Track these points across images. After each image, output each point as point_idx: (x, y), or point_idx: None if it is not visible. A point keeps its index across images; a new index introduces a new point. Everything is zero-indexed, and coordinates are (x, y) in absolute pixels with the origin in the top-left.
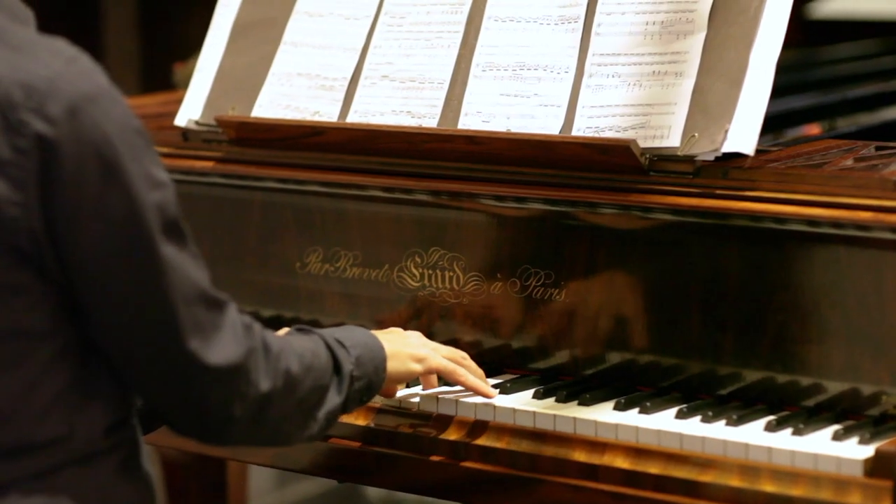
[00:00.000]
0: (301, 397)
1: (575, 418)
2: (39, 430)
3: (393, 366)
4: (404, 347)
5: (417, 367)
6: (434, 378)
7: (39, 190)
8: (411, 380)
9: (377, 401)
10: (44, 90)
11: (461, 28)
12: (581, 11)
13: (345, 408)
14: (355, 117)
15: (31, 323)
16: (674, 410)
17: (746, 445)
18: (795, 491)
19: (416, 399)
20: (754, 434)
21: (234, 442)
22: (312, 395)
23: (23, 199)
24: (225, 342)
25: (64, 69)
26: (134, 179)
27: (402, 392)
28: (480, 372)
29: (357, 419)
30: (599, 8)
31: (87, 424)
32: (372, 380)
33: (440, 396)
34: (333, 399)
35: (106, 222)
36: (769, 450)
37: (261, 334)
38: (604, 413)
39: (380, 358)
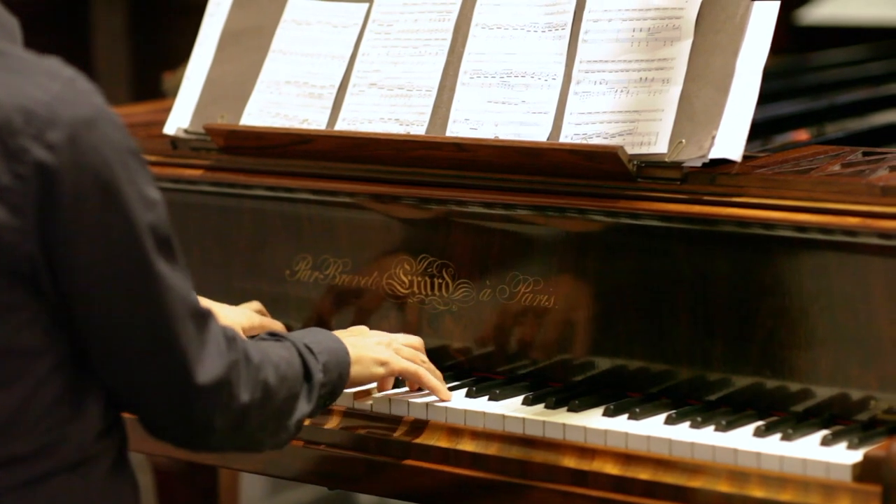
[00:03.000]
0: (276, 407)
1: (564, 424)
2: (31, 440)
3: (356, 371)
4: (367, 352)
5: (380, 371)
6: (390, 381)
7: (38, 215)
8: (373, 382)
9: (367, 408)
10: (43, 115)
11: (448, 35)
12: (568, 18)
13: (311, 414)
14: (344, 125)
15: (26, 341)
16: (663, 416)
17: (735, 451)
18: (784, 496)
19: (407, 406)
20: (743, 439)
21: (211, 449)
22: (285, 404)
23: (21, 224)
24: (210, 357)
25: (62, 92)
26: (130, 202)
27: (390, 393)
28: (438, 374)
29: (347, 426)
30: (586, 15)
31: (79, 432)
32: (336, 385)
33: (430, 403)
34: (303, 407)
35: (103, 245)
36: (758, 455)
37: (243, 346)
38: (593, 419)
39: (344, 363)
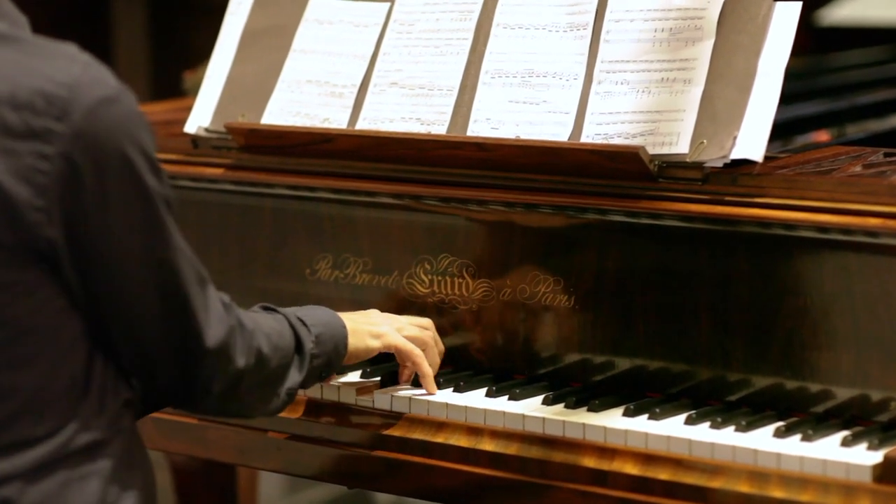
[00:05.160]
0: (267, 374)
1: (584, 424)
2: (48, 423)
3: (353, 342)
4: (364, 325)
5: (376, 343)
6: (409, 373)
7: (62, 195)
8: (372, 356)
9: (386, 406)
10: (66, 97)
11: (470, 35)
12: (590, 18)
13: (304, 384)
14: (365, 124)
15: (43, 320)
16: (683, 416)
17: (755, 451)
18: (804, 497)
19: (427, 405)
20: (763, 440)
21: (204, 413)
22: (277, 372)
23: (45, 204)
24: (215, 321)
25: (82, 74)
26: (148, 173)
27: (410, 392)
28: (436, 362)
29: (366, 425)
30: (608, 15)
31: (92, 415)
32: (331, 357)
33: (450, 403)
34: (294, 377)
35: (126, 219)
36: (778, 456)
37: (236, 312)
38: (613, 419)
39: (340, 336)
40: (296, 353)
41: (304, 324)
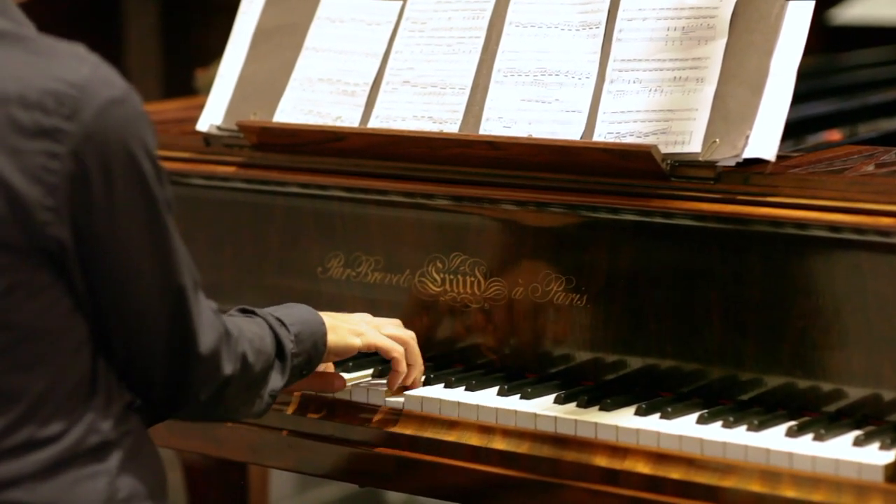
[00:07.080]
0: (251, 379)
1: (596, 423)
2: (56, 423)
3: (332, 339)
4: (344, 323)
5: (356, 342)
6: (398, 377)
7: (71, 194)
8: (352, 354)
9: (398, 405)
10: (76, 96)
11: (482, 33)
12: (602, 17)
13: (286, 384)
14: (377, 122)
15: (51, 322)
16: (695, 416)
17: (767, 451)
18: (816, 496)
19: (438, 404)
20: (775, 439)
21: (186, 418)
22: (260, 377)
23: (54, 203)
24: (207, 327)
25: (91, 74)
26: (152, 174)
27: (424, 392)
28: (420, 360)
29: (378, 424)
30: (621, 14)
31: (99, 415)
32: (311, 355)
33: (461, 402)
34: (276, 380)
35: (131, 218)
36: (790, 455)
37: (222, 319)
38: (625, 418)
39: (319, 333)
40: (277, 357)
41: (282, 324)
